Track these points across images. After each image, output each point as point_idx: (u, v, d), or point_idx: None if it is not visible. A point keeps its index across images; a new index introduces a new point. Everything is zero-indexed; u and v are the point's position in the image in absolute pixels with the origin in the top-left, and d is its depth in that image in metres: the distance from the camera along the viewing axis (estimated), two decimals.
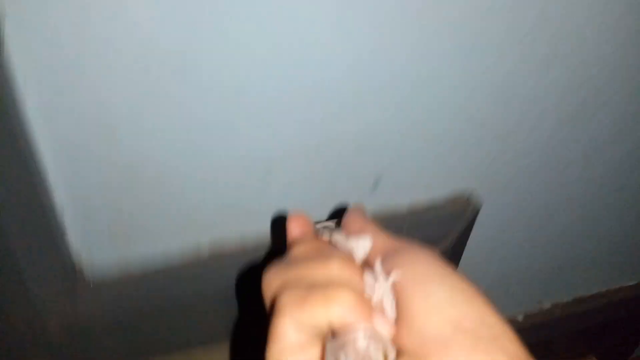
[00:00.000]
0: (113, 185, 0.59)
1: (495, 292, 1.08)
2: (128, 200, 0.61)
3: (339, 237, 0.44)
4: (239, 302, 0.74)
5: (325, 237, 0.46)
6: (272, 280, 0.39)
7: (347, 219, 0.47)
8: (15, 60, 0.47)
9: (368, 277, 0.38)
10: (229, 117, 0.59)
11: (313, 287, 0.36)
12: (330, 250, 0.42)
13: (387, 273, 0.37)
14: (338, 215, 0.52)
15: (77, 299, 0.64)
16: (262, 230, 0.72)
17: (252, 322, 0.77)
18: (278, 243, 0.72)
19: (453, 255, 0.87)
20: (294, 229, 0.47)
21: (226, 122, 0.59)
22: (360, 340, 0.33)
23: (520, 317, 1.19)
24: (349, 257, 0.40)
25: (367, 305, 0.36)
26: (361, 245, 0.42)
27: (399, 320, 0.35)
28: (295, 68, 0.57)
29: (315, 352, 0.36)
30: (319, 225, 0.51)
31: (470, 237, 0.88)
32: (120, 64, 0.50)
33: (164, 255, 0.67)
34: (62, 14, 0.46)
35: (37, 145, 0.53)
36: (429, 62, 0.63)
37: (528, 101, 0.73)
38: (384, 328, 0.35)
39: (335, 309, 0.35)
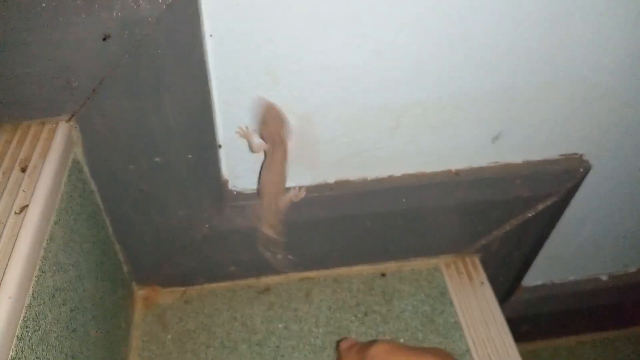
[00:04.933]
0: None
1: (585, 251, 1.11)
2: None
3: None
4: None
5: None
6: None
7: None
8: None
9: None
10: (371, 68, 0.64)
11: None
12: None
13: None
14: None
15: (223, 208, 0.75)
16: (383, 174, 0.79)
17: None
18: None
19: (556, 211, 0.91)
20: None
21: (368, 72, 0.65)
22: None
23: (604, 277, 1.23)
24: None
25: None
26: None
27: None
28: (434, 27, 0.61)
29: None
30: None
31: (575, 195, 0.91)
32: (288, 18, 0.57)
33: (298, 181, 0.76)
34: None
35: (212, 88, 0.61)
36: (564, 29, 0.65)
37: None
38: None
39: None
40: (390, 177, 0.80)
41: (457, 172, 0.82)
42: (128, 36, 0.52)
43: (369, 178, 0.79)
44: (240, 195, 0.76)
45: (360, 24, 0.59)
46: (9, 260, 0.44)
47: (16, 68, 0.53)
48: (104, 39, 0.51)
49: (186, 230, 0.75)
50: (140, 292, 0.84)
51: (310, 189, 0.77)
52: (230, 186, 0.75)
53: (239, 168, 0.74)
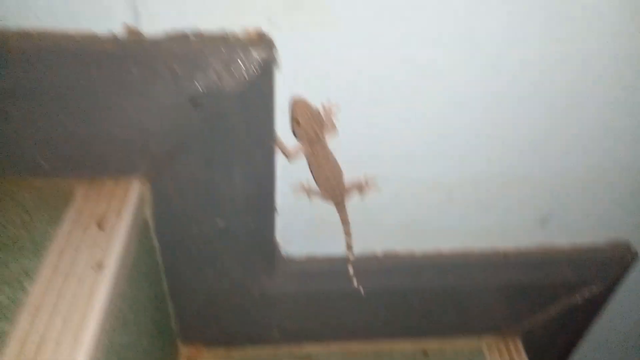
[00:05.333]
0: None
1: (632, 340, 1.08)
2: (321, 211, 0.72)
3: None
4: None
5: None
6: None
7: None
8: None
9: None
10: (426, 145, 0.67)
11: None
12: None
13: None
14: None
15: (274, 272, 0.76)
16: (431, 249, 0.80)
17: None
18: None
19: (602, 298, 0.90)
20: None
21: (423, 149, 0.67)
22: None
23: None
24: None
25: None
26: None
27: None
28: (490, 109, 0.64)
29: None
30: None
31: (621, 283, 0.90)
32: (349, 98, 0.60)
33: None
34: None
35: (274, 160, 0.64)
36: (615, 119, 0.68)
37: None
38: None
39: None
40: (438, 253, 0.80)
41: (504, 252, 0.82)
42: (209, 107, 0.56)
43: (417, 252, 0.80)
44: (291, 261, 0.78)
45: (419, 104, 0.62)
46: (86, 316, 0.46)
47: (101, 129, 0.57)
48: (193, 105, 0.55)
49: (236, 292, 0.76)
50: (184, 350, 0.84)
51: (357, 259, 0.78)
52: (282, 251, 0.77)
53: (291, 233, 0.75)
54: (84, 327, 0.45)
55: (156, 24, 0.54)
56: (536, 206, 0.78)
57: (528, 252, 0.84)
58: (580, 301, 0.89)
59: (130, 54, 0.53)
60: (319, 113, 0.60)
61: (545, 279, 0.85)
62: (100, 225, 0.56)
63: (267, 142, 0.61)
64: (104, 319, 0.47)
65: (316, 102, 0.61)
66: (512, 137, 0.68)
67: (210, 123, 0.57)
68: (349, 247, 0.72)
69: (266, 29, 0.55)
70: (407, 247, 0.80)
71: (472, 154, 0.70)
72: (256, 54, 0.54)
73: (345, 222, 0.70)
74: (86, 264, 0.51)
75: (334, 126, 0.62)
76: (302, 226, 0.75)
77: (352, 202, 0.71)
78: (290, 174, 0.68)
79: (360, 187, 0.70)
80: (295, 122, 0.59)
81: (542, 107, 0.66)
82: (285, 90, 0.59)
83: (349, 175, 0.68)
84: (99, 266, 0.51)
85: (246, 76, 0.54)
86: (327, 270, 0.78)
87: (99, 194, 0.60)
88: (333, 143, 0.64)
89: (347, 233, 0.71)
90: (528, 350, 0.93)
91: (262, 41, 0.54)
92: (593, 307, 0.92)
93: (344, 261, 0.74)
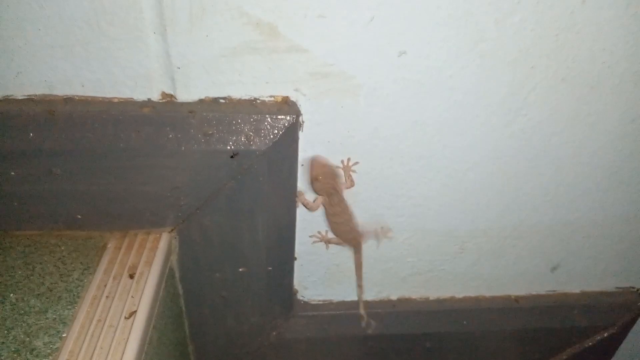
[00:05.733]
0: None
1: None
2: (337, 259, 0.76)
3: None
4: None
5: None
6: None
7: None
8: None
9: None
10: (440, 198, 0.70)
11: None
12: None
13: None
14: None
15: (291, 317, 0.79)
16: (445, 295, 0.83)
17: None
18: None
19: (613, 342, 0.91)
20: None
21: (437, 201, 0.71)
22: None
23: None
24: None
25: None
26: None
27: None
28: (502, 165, 0.68)
29: None
30: None
31: (632, 328, 0.92)
32: (367, 153, 0.64)
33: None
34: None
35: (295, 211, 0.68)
36: (622, 173, 0.71)
37: None
38: None
39: None
40: (452, 299, 0.83)
41: (516, 299, 0.85)
42: (236, 165, 0.60)
43: (431, 298, 0.83)
44: (308, 305, 0.81)
45: (435, 160, 0.66)
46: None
47: (135, 185, 0.61)
48: (231, 157, 0.59)
49: (255, 336, 0.79)
50: None
51: (372, 304, 0.81)
52: (299, 296, 0.80)
53: (308, 279, 0.79)
54: None
55: (191, 91, 0.58)
56: (546, 254, 0.81)
57: (539, 298, 0.86)
58: (592, 345, 0.91)
59: (166, 118, 0.58)
60: (336, 169, 0.65)
61: (556, 324, 0.87)
62: (131, 275, 0.59)
63: (289, 195, 0.65)
64: None
65: (336, 159, 0.65)
66: (523, 190, 0.71)
67: (238, 179, 0.61)
68: (360, 286, 0.75)
69: (293, 95, 0.59)
70: (421, 294, 0.83)
71: (484, 206, 0.73)
72: (282, 118, 0.58)
73: (358, 265, 0.74)
74: (119, 313, 0.54)
75: (352, 181, 0.66)
76: (319, 273, 0.78)
77: (369, 250, 0.75)
78: (309, 224, 0.71)
79: (377, 234, 0.74)
80: (314, 179, 0.64)
81: (552, 162, 0.69)
82: (307, 148, 0.63)
83: (366, 222, 0.72)
84: (131, 314, 0.54)
85: (273, 138, 0.58)
86: (342, 315, 0.81)
87: (131, 245, 0.64)
88: (351, 194, 0.68)
89: (359, 276, 0.74)
90: None
91: (289, 107, 0.59)
92: (605, 352, 0.94)
93: (357, 305, 0.77)
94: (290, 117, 0.58)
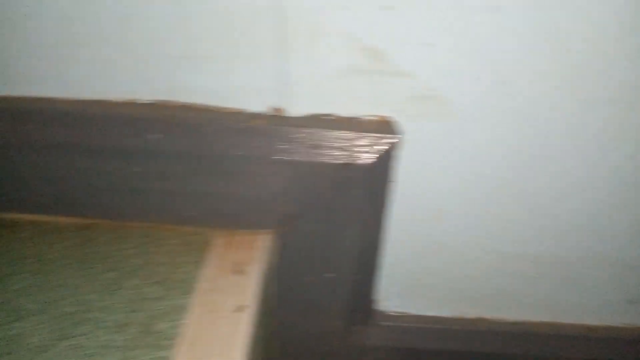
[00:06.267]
0: (417, 260, 0.77)
1: None
2: (419, 272, 0.79)
3: None
4: None
5: None
6: None
7: None
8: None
9: None
10: (522, 226, 0.73)
11: None
12: None
13: None
14: None
15: (369, 325, 0.83)
16: (521, 318, 0.84)
17: None
18: None
19: None
20: None
21: (518, 227, 0.73)
22: None
23: None
24: None
25: None
26: None
27: None
28: (589, 205, 0.70)
29: None
30: None
31: None
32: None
33: (439, 312, 0.83)
34: None
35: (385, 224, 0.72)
36: None
37: None
38: None
39: None
40: (528, 322, 0.84)
41: (591, 328, 0.85)
42: (339, 178, 0.65)
43: (507, 320, 0.84)
44: (385, 316, 0.84)
45: (525, 186, 0.69)
46: (236, 353, 0.54)
47: (243, 189, 0.67)
48: (339, 167, 0.64)
49: (334, 339, 0.84)
50: None
51: (447, 320, 0.84)
52: (378, 306, 0.84)
53: (389, 290, 0.82)
54: None
55: (300, 107, 0.64)
56: (626, 287, 0.81)
57: (614, 330, 0.86)
58: None
59: (276, 131, 0.63)
60: None
61: (631, 357, 0.87)
62: (238, 272, 0.65)
63: (382, 210, 0.69)
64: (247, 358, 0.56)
65: (428, 179, 0.69)
66: (614, 223, 0.72)
67: (338, 190, 0.66)
68: None
69: (393, 116, 0.64)
70: (497, 315, 0.85)
71: (570, 235, 0.75)
72: (385, 137, 0.62)
73: None
74: (230, 306, 0.60)
75: None
76: (400, 285, 0.82)
77: (450, 267, 0.78)
78: (394, 242, 0.75)
79: None
80: None
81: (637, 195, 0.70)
82: (400, 167, 0.67)
83: None
84: (240, 309, 0.60)
85: (375, 155, 0.63)
86: (419, 328, 0.84)
87: (234, 243, 0.69)
88: (436, 211, 0.72)
89: None
90: None
91: (390, 127, 0.63)
92: None
93: (435, 321, 0.80)
94: (392, 136, 0.63)
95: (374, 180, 0.65)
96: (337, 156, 0.64)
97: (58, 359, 0.53)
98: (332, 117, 0.64)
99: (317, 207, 0.68)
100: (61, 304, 0.59)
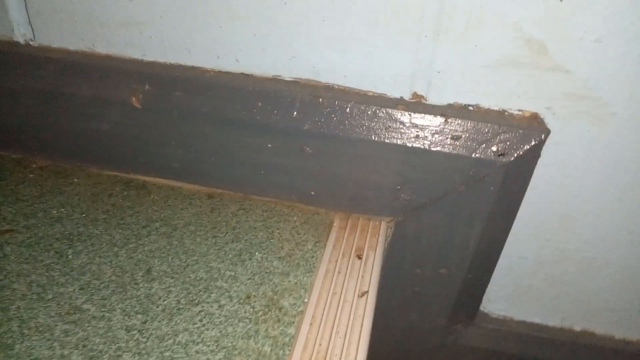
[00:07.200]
0: (536, 266, 0.74)
1: None
2: (528, 278, 0.76)
3: None
4: None
5: None
6: None
7: None
8: None
9: None
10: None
11: None
12: None
13: None
14: None
15: (471, 326, 0.80)
16: (632, 337, 0.80)
17: None
18: None
19: None
20: None
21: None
22: None
23: None
24: None
25: None
26: None
27: None
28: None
29: None
30: None
31: None
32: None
33: (544, 320, 0.79)
34: None
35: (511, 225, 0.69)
36: None
37: None
38: None
39: None
40: (638, 342, 0.80)
41: None
42: (473, 172, 0.62)
43: (617, 337, 0.80)
44: (488, 318, 0.82)
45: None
46: (361, 339, 0.54)
47: (369, 174, 0.66)
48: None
49: (433, 337, 0.82)
50: None
51: (554, 330, 0.80)
52: (482, 307, 0.81)
53: (496, 293, 0.80)
54: (360, 350, 0.53)
55: (443, 95, 0.62)
56: None
57: None
58: None
59: (416, 118, 0.61)
60: None
61: None
62: (359, 256, 0.64)
63: (512, 210, 0.66)
64: (368, 343, 0.55)
65: (567, 181, 0.65)
66: None
67: (470, 185, 0.63)
68: None
69: (542, 112, 0.60)
70: (607, 330, 0.81)
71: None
72: (532, 134, 0.59)
73: None
74: (352, 290, 0.59)
75: None
76: (508, 289, 0.79)
77: (564, 277, 0.74)
78: (517, 237, 0.73)
79: None
80: None
81: None
82: (539, 165, 0.64)
83: None
84: (363, 294, 0.59)
85: (518, 152, 0.60)
86: (521, 334, 0.81)
87: (354, 227, 0.68)
88: (567, 219, 0.68)
89: None
90: None
91: (538, 123, 0.60)
92: None
93: (538, 328, 0.77)
94: (539, 134, 0.59)
95: (512, 178, 0.62)
96: (476, 149, 0.61)
97: (191, 322, 0.54)
98: (476, 109, 0.62)
99: (445, 200, 0.66)
100: (191, 269, 0.60)
